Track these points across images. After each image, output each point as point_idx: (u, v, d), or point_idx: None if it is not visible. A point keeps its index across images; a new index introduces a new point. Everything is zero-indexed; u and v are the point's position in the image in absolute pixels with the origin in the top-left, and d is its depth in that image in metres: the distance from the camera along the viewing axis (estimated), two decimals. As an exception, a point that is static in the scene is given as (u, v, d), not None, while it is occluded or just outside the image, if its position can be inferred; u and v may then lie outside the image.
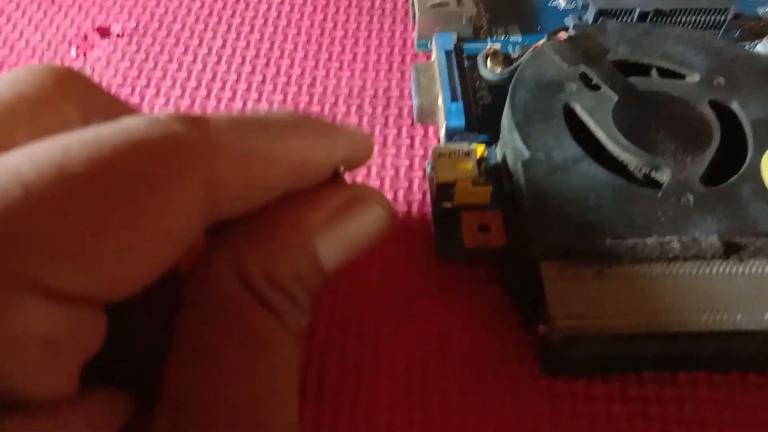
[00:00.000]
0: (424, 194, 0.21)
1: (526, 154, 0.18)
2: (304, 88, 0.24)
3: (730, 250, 0.16)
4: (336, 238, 0.14)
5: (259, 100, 0.23)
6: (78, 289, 0.10)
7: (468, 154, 0.19)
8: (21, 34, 0.26)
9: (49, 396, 0.10)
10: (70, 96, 0.12)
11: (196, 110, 0.23)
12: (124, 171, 0.10)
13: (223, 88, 0.24)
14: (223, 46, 0.25)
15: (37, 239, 0.09)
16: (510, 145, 0.19)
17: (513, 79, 0.20)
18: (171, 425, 0.11)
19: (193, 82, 0.24)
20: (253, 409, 0.12)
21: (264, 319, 0.12)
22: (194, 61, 0.25)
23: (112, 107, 0.13)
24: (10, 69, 0.24)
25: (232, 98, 0.23)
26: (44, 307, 0.09)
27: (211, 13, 0.26)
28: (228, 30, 0.26)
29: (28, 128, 0.11)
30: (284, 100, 0.23)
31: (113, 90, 0.24)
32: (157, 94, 0.24)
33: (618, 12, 0.23)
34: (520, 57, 0.22)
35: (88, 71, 0.25)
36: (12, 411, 0.10)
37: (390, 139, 0.22)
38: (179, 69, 0.24)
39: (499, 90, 0.22)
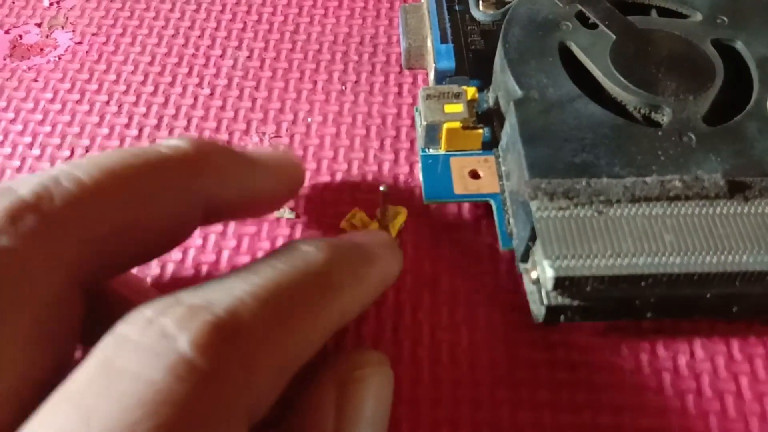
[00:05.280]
0: (411, 143, 0.20)
1: (519, 92, 0.17)
2: (287, 36, 0.22)
3: (735, 189, 0.16)
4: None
5: (239, 48, 0.22)
6: None
7: (458, 95, 0.18)
8: (-10, -17, 0.25)
9: None
10: None
11: (174, 60, 0.22)
12: None
13: (201, 36, 0.23)
14: (203, -7, 0.24)
15: None
16: (502, 87, 0.18)
17: (506, 18, 0.19)
18: None
19: (170, 30, 0.23)
20: None
21: None
22: (172, 9, 0.23)
23: None
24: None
25: (211, 46, 0.22)
26: None
27: (190, -38, 0.25)
28: (207, -23, 0.24)
29: None
30: (266, 48, 0.22)
31: (87, 41, 0.23)
32: (133, 43, 0.23)
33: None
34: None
35: (61, 20, 0.23)
36: None
37: (377, 87, 0.21)
38: (156, 17, 0.23)
39: (491, 35, 0.21)
